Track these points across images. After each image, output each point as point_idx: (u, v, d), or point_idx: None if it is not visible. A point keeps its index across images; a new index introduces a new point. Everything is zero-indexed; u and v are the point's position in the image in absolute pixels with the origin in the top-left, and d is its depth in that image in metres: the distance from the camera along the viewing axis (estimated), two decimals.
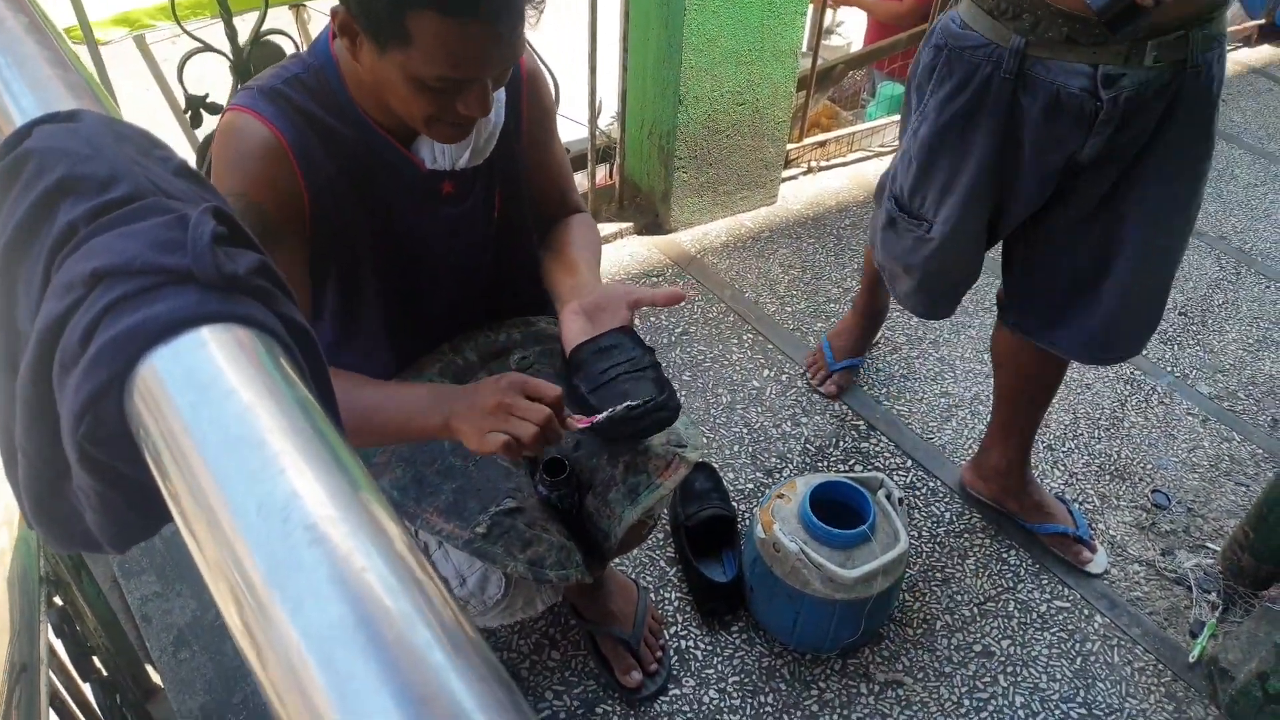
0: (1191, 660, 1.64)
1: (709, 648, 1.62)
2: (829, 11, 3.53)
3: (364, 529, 0.37)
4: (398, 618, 0.34)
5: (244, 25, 1.69)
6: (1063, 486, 1.95)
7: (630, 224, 2.60)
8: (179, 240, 0.46)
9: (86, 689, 1.57)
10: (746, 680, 1.58)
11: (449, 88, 0.99)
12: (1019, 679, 1.61)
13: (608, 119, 2.72)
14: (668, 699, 1.54)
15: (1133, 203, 1.45)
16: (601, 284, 1.24)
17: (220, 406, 0.41)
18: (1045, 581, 1.77)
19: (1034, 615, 1.71)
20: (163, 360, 0.43)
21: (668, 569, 1.74)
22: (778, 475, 1.93)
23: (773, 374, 2.18)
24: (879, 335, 2.27)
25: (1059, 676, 1.62)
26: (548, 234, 1.35)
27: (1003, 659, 1.64)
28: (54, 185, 0.49)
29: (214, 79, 1.77)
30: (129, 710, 1.57)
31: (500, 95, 1.17)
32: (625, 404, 1.09)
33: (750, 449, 1.99)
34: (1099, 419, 2.13)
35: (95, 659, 1.62)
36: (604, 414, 1.08)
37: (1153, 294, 1.56)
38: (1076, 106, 1.35)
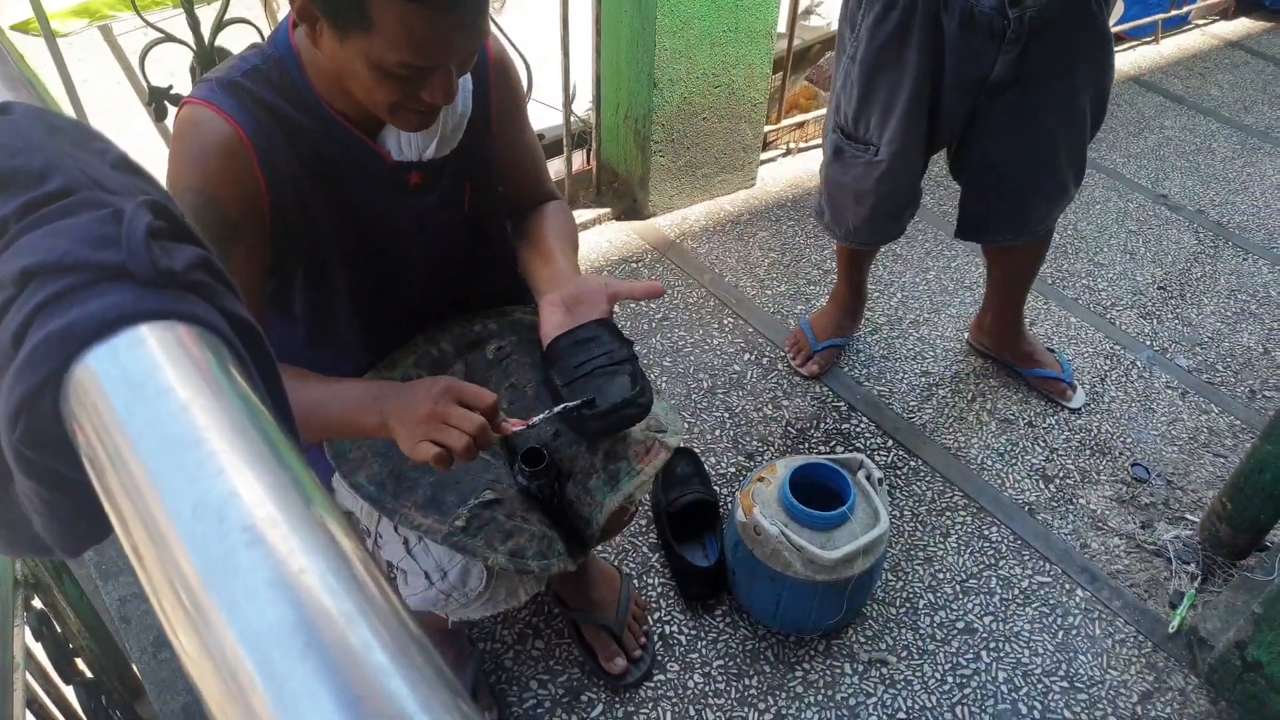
0: (1171, 631, 1.65)
1: (693, 632, 1.62)
2: None
3: (304, 529, 0.36)
4: (337, 618, 0.33)
5: (208, 16, 1.66)
6: (1043, 462, 1.96)
7: (608, 209, 2.59)
8: (113, 235, 0.45)
9: (69, 692, 1.55)
10: (731, 663, 1.58)
11: (412, 74, 0.97)
12: (1002, 654, 1.62)
13: (583, 104, 2.70)
14: (652, 685, 1.54)
15: (1038, 115, 1.64)
16: (580, 275, 1.23)
17: (156, 405, 0.40)
18: (1027, 557, 1.77)
19: (1015, 591, 1.72)
20: (98, 360, 0.42)
21: (650, 555, 1.74)
22: (759, 458, 1.93)
23: (753, 358, 2.18)
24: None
25: (1041, 651, 1.63)
26: (522, 222, 1.34)
27: (985, 635, 1.65)
28: None
29: (182, 70, 1.74)
30: (115, 711, 1.56)
31: (467, 83, 1.16)
32: (559, 408, 1.09)
33: (731, 433, 1.98)
34: None
35: (78, 661, 1.60)
36: (538, 417, 1.08)
37: (1050, 189, 1.77)
38: (987, 23, 1.51)
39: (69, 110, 1.70)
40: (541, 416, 1.09)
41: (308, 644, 0.32)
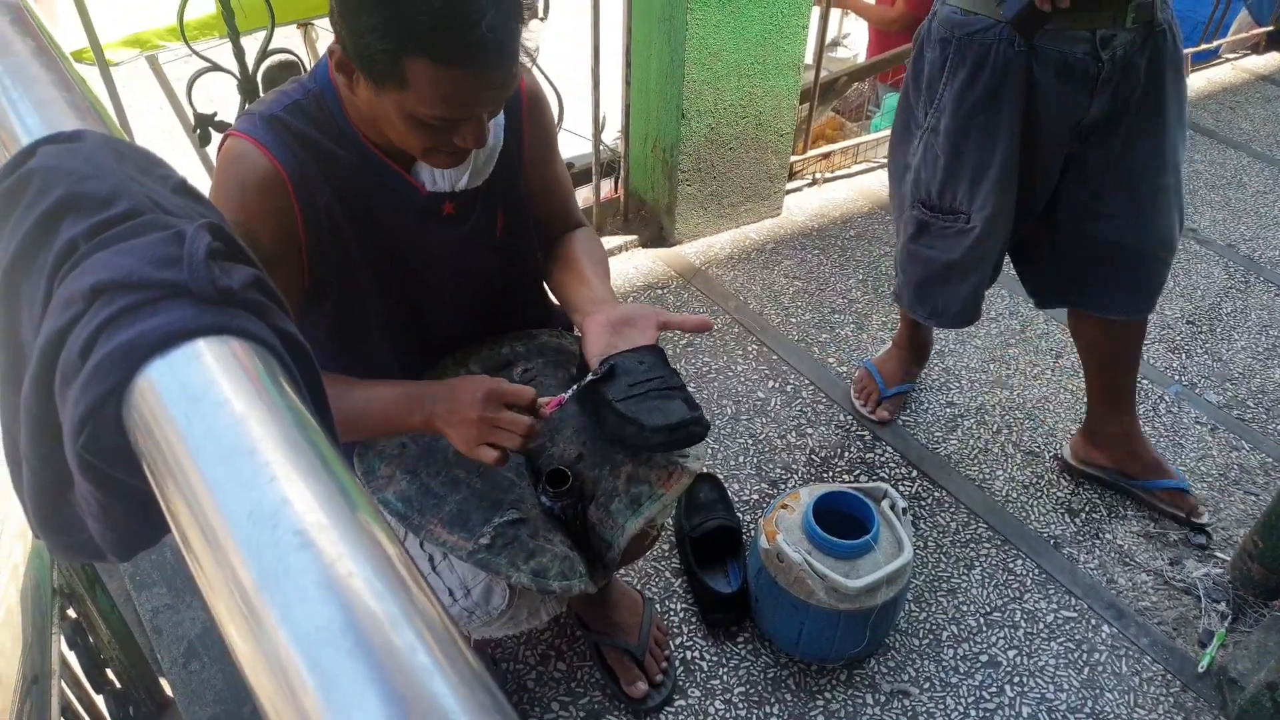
0: (1201, 670, 1.62)
1: (714, 658, 1.62)
2: (834, 24, 3.55)
3: (351, 535, 0.38)
4: (384, 621, 0.35)
5: (253, 45, 1.72)
6: (1069, 496, 1.95)
7: (635, 237, 2.62)
8: (175, 256, 0.47)
9: (99, 701, 1.58)
10: (752, 691, 1.57)
11: (445, 125, 1.02)
12: (1026, 689, 1.60)
13: (612, 134, 2.74)
14: (673, 710, 1.54)
15: (1136, 157, 1.60)
16: (623, 302, 1.25)
17: (213, 416, 0.42)
18: (1052, 591, 1.76)
19: (1040, 625, 1.70)
20: (159, 372, 0.44)
21: (673, 580, 1.74)
22: (783, 486, 1.93)
23: (777, 385, 2.19)
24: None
25: (1066, 687, 1.61)
26: (554, 249, 1.37)
27: (1009, 669, 1.63)
28: (56, 203, 0.51)
29: (225, 98, 1.79)
30: None
31: (500, 116, 1.19)
32: (589, 378, 1.14)
33: (755, 460, 1.99)
34: None
35: (109, 671, 1.63)
36: (567, 394, 1.13)
37: (1165, 235, 1.67)
38: (1083, 69, 1.50)
39: (123, 137, 1.75)
40: (570, 392, 1.14)
41: (356, 644, 0.34)
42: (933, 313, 1.84)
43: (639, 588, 1.71)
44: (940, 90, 1.60)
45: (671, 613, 1.69)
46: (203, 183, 1.14)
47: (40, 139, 0.55)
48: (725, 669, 1.60)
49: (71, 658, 1.47)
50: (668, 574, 1.75)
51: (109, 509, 0.50)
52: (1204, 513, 1.88)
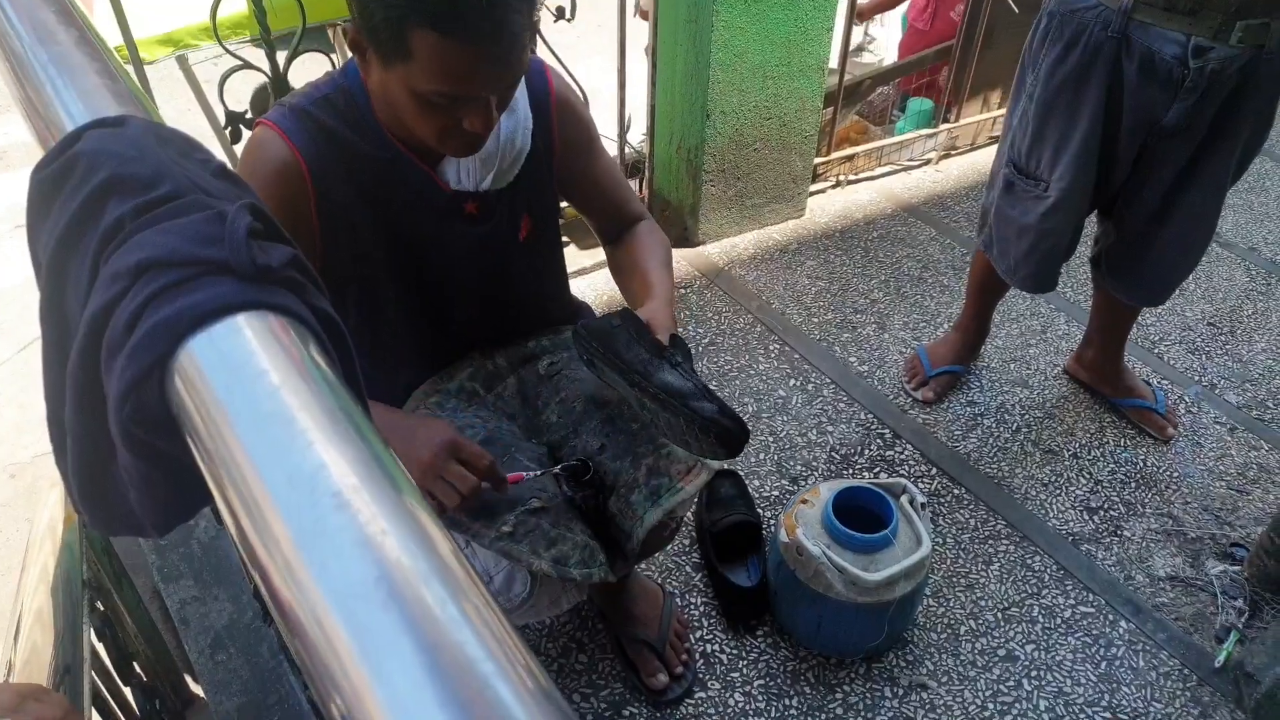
0: (1217, 665, 1.62)
1: (734, 652, 1.63)
2: (859, 29, 3.56)
3: (384, 496, 0.40)
4: (416, 576, 0.37)
5: (285, 46, 1.74)
6: (1087, 494, 1.94)
7: None
8: (217, 235, 0.49)
9: (128, 692, 1.61)
10: (771, 683, 1.58)
11: (449, 104, 1.02)
12: (1043, 683, 1.60)
13: (637, 135, 2.76)
14: (693, 702, 1.55)
15: (1201, 171, 1.65)
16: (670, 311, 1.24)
17: (253, 386, 0.44)
18: (1070, 587, 1.76)
19: (1058, 620, 1.70)
20: (200, 345, 0.46)
21: (693, 574, 1.75)
22: (803, 483, 1.94)
23: (799, 383, 2.20)
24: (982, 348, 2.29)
25: (1083, 681, 1.61)
26: (618, 250, 1.37)
27: (1027, 663, 1.63)
28: (102, 184, 0.53)
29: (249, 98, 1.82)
30: (169, 717, 1.61)
31: (528, 120, 1.20)
32: (559, 467, 1.22)
33: (776, 457, 2.00)
34: (1125, 427, 2.11)
35: (136, 664, 1.66)
36: (528, 475, 1.17)
37: (1199, 247, 1.82)
38: (1166, 71, 1.50)
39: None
40: (535, 474, 1.17)
41: (389, 598, 0.36)
42: (1008, 270, 1.90)
43: (660, 582, 1.72)
44: (1040, 59, 1.64)
45: (692, 606, 1.70)
46: None
47: (86, 124, 0.57)
48: (745, 662, 1.62)
49: (101, 649, 1.50)
50: (688, 568, 1.76)
51: (150, 480, 0.52)
52: (1172, 434, 2.07)
